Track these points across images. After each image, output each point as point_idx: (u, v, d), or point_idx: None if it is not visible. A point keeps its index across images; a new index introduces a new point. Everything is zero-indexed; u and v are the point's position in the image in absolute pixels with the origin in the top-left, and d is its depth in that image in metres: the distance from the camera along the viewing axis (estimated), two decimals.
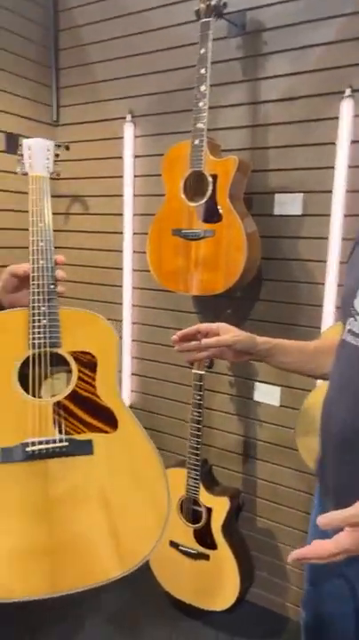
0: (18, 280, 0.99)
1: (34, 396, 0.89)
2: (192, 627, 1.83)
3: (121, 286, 2.06)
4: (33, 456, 0.84)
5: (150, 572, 1.87)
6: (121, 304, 2.07)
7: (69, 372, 0.92)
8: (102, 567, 0.82)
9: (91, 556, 0.82)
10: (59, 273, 0.98)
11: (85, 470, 0.87)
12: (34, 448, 0.84)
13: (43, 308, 0.92)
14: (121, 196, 2.00)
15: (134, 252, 2.02)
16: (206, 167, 1.59)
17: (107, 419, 0.91)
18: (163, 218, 1.72)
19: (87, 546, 0.82)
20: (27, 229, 1.00)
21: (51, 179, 1.10)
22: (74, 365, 0.92)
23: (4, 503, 0.81)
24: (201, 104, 1.57)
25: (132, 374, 2.13)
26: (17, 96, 1.98)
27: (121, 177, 1.99)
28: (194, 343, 0.89)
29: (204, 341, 0.87)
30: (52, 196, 1.02)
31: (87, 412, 0.91)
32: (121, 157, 1.98)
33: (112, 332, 0.96)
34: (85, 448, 0.88)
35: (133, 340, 2.10)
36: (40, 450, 0.85)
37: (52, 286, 0.95)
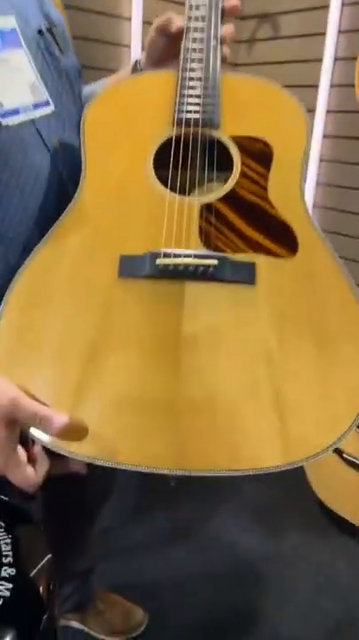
0: (167, 40, 0.68)
1: (175, 192, 0.60)
2: (344, 542, 1.57)
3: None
4: (164, 272, 0.55)
5: (303, 471, 1.63)
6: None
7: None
8: (253, 450, 0.52)
9: (238, 430, 0.53)
10: (228, 28, 0.66)
11: (240, 306, 0.56)
12: (166, 261, 0.55)
13: (197, 72, 0.61)
14: (325, 7, 1.51)
15: (332, 85, 1.55)
16: None
17: (281, 236, 0.58)
18: None
19: (234, 415, 0.53)
20: None
21: None
22: (236, 156, 0.60)
23: (119, 332, 0.55)
24: None
25: None
26: None
27: None
28: None
29: None
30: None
31: (251, 222, 0.59)
32: None
33: (300, 111, 0.61)
34: (243, 273, 0.56)
35: (314, 207, 1.71)
36: (176, 265, 0.55)
37: (215, 42, 0.63)
